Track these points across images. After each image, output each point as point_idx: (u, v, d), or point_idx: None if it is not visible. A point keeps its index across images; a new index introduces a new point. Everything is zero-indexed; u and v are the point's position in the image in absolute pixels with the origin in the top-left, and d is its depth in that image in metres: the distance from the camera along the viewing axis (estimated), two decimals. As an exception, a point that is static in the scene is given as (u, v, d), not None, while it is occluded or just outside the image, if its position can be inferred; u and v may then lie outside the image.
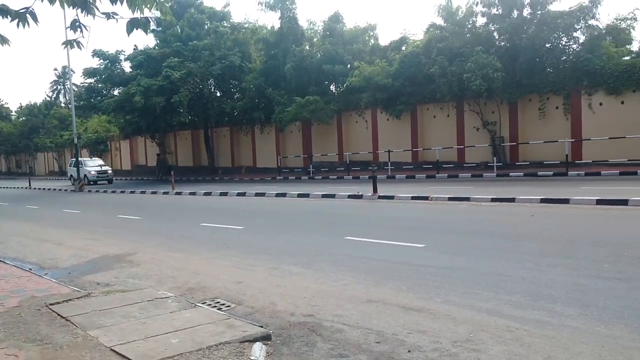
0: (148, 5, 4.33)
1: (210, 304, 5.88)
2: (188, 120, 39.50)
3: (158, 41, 40.09)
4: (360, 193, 17.15)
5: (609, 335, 4.30)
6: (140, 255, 9.25)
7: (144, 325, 5.00)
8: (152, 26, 4.44)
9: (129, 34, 4.44)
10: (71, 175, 37.79)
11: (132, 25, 4.39)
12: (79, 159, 35.76)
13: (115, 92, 38.49)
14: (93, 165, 39.38)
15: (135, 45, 39.20)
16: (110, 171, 39.09)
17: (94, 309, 5.62)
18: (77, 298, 6.14)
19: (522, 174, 21.24)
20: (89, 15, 4.42)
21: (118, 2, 4.36)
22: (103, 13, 4.46)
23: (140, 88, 32.33)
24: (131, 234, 12.19)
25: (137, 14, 4.37)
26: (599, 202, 11.78)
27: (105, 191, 29.65)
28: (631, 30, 23.21)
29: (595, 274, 6.05)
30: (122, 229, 13.28)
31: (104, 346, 4.46)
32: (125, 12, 4.46)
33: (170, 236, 11.46)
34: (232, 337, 4.57)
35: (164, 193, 24.97)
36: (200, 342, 4.47)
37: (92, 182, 36.95)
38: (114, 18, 4.40)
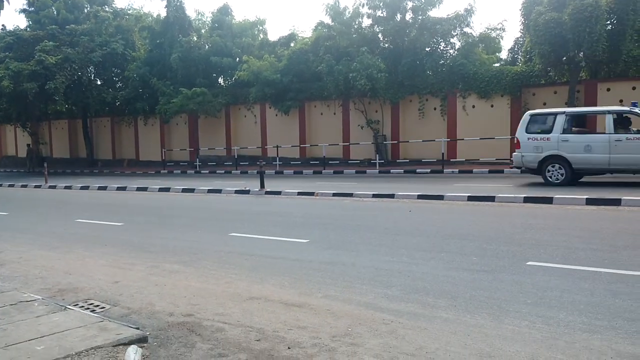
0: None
1: (82, 306, 5.55)
2: (65, 109, 37.00)
3: (30, 22, 37.10)
4: (247, 188, 17.06)
5: (474, 324, 4.62)
6: (4, 255, 8.51)
7: (4, 332, 4.59)
8: (10, 6, 3.99)
9: None
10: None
11: None
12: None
13: (-21, 76, 35.00)
14: None
15: (3, 26, 35.92)
16: None
17: (-54, 316, 5.08)
18: None
19: (402, 171, 22.27)
20: None
21: None
22: None
23: (9, 72, 29.77)
24: (-5, 231, 11.18)
25: None
26: (470, 198, 12.65)
27: (-35, 184, 26.92)
28: (500, 39, 25.24)
29: (465, 267, 6.48)
30: (-15, 226, 12.14)
31: (-45, 358, 4.05)
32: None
33: (41, 233, 10.67)
34: (104, 340, 4.33)
35: (36, 186, 23.20)
36: (69, 347, 4.19)
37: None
38: None
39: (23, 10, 38.38)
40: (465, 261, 6.76)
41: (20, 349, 4.19)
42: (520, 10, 22.89)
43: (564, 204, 11.33)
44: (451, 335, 4.40)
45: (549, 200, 11.62)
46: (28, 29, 35.85)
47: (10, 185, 24.67)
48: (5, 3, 3.95)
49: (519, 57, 27.00)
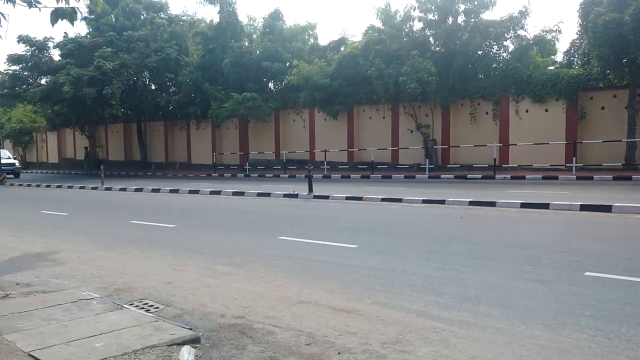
0: (75, -6, 4.13)
1: (137, 306, 5.71)
2: (120, 113, 38.29)
3: (90, 29, 38.62)
4: (295, 192, 17.17)
5: (529, 335, 4.50)
6: (65, 254, 8.86)
7: (66, 328, 4.78)
8: (80, 17, 4.18)
9: (53, 25, 4.21)
10: None
11: (57, 15, 4.16)
12: None
13: (43, 81, 36.61)
14: None
15: (65, 33, 37.48)
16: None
17: (12, 311, 5.33)
18: (-6, 300, 5.81)
19: (453, 176, 21.93)
20: (8, 2, 4.17)
21: None
22: (24, 1, 4.21)
23: (69, 78, 30.99)
24: (56, 230, 11.66)
25: (62, 4, 4.15)
26: (523, 205, 12.32)
27: (29, 185, 28.23)
28: (556, 41, 24.53)
29: (518, 276, 6.32)
30: (46, 225, 12.67)
31: (21, 351, 4.24)
32: (50, 1, 4.21)
33: (97, 234, 11.05)
34: (159, 340, 4.45)
35: (93, 188, 24.07)
36: (126, 345, 4.33)
37: None
38: (36, 7, 4.17)
39: (84, 18, 39.96)
40: (518, 270, 6.59)
41: (81, 345, 4.35)
42: (577, 11, 22.20)
43: (624, 212, 10.87)
44: (504, 346, 4.29)
45: (607, 209, 11.17)
46: (88, 36, 37.27)
47: (69, 187, 25.69)
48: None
49: (576, 59, 26.16)
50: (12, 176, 34.42)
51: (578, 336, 4.42)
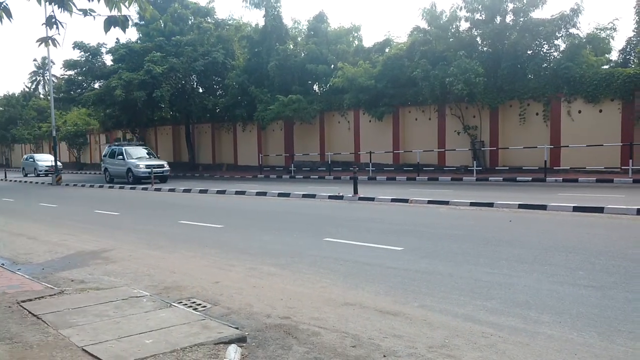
0: (126, 3, 4.26)
1: (186, 304, 5.82)
2: (169, 115, 39.13)
3: (140, 35, 39.69)
4: (341, 194, 17.16)
5: (582, 343, 4.35)
6: (117, 252, 9.14)
7: (117, 324, 4.93)
8: (131, 23, 4.35)
9: (106, 32, 4.39)
10: None
11: (110, 23, 4.33)
12: None
13: (96, 85, 37.90)
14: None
15: (117, 39, 38.65)
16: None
17: (67, 307, 5.53)
18: (50, 295, 6.04)
19: (501, 178, 21.46)
20: (65, 11, 4.34)
21: None
22: (80, 10, 4.39)
23: (121, 82, 31.92)
24: (108, 230, 12.03)
25: (115, 12, 4.30)
26: (576, 209, 11.94)
27: (82, 185, 29.24)
28: (610, 39, 23.58)
29: (570, 282, 6.12)
30: (99, 224, 13.09)
31: (75, 346, 4.39)
32: (103, 9, 4.37)
33: (148, 233, 11.34)
34: (207, 338, 4.53)
35: (143, 189, 24.72)
36: (175, 343, 4.43)
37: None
38: (91, 15, 4.34)
39: (134, 24, 41.13)
40: (570, 275, 6.39)
41: (131, 341, 4.47)
42: (634, 8, 21.40)
43: (684, 217, 10.40)
44: (556, 354, 4.17)
45: (666, 213, 10.71)
46: (138, 42, 38.28)
47: (120, 187, 26.46)
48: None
49: (632, 58, 25.15)
50: (157, 181, 27.13)
51: (634, 345, 4.25)
